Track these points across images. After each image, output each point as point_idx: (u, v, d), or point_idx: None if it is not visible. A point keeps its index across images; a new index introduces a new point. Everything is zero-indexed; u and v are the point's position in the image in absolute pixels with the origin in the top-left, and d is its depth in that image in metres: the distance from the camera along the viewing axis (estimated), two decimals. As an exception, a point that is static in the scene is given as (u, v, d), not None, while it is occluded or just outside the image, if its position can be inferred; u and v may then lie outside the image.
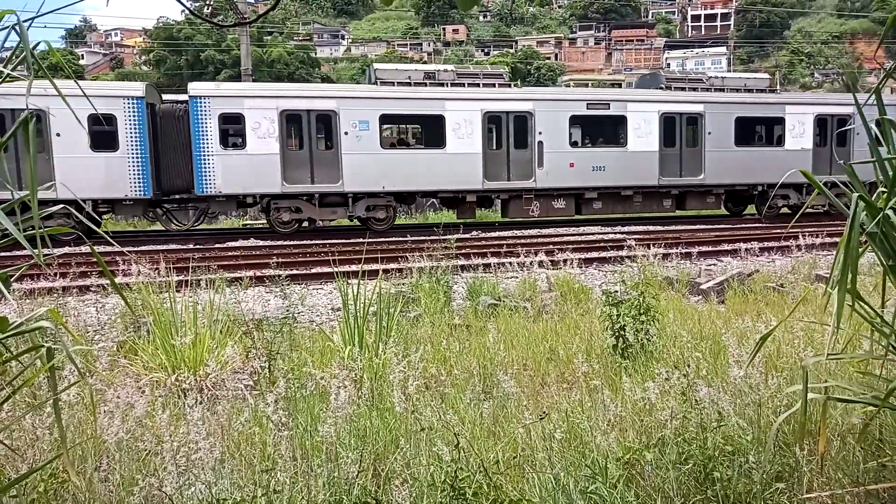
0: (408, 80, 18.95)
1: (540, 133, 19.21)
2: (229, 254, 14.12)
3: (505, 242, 14.78)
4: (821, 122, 21.37)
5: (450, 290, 8.51)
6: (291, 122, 17.91)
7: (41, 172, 16.30)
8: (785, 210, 21.58)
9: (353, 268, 10.96)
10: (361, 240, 15.50)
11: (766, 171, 20.49)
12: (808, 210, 21.28)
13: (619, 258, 11.98)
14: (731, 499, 2.86)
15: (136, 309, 6.62)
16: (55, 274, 10.19)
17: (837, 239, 2.79)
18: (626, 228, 18.35)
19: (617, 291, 6.02)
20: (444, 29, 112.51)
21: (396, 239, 16.18)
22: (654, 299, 5.75)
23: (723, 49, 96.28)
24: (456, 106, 18.62)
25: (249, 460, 3.30)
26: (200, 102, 17.21)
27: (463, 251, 12.03)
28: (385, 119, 18.50)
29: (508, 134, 19.16)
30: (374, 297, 5.55)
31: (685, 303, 8.28)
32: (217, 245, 16.10)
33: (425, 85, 18.95)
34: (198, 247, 15.74)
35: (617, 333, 5.26)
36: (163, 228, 19.82)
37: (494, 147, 19.13)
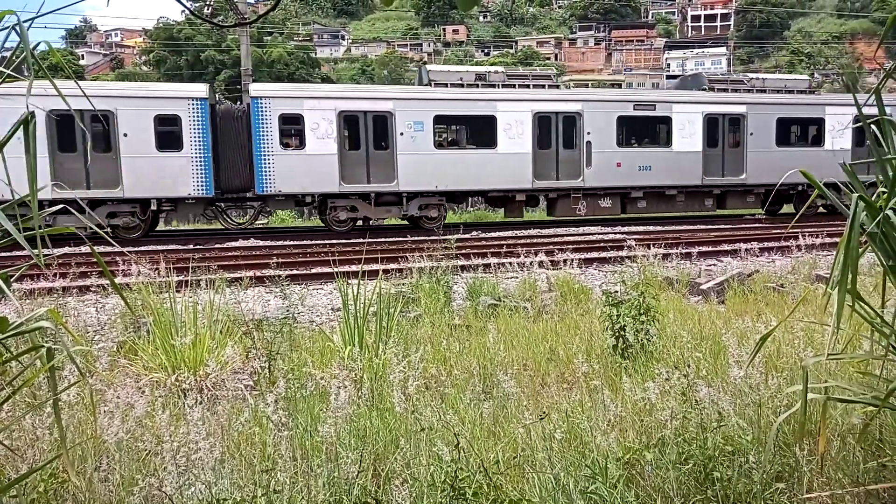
0: (460, 82, 19.35)
1: (588, 133, 19.62)
2: (229, 254, 14.13)
3: (505, 242, 14.78)
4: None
5: (450, 290, 8.51)
6: (349, 122, 18.28)
7: (108, 172, 16.80)
8: (822, 210, 21.91)
9: (353, 268, 10.96)
10: (361, 240, 15.51)
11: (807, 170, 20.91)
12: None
13: (619, 258, 11.98)
14: (731, 499, 2.86)
15: (136, 309, 6.62)
16: (55, 274, 10.19)
17: (837, 239, 2.79)
18: (626, 228, 18.36)
19: (617, 291, 6.02)
20: (444, 29, 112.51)
21: (396, 239, 16.18)
22: (654, 299, 5.75)
23: (723, 49, 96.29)
24: (507, 107, 19.05)
25: (249, 460, 3.30)
26: (261, 103, 17.55)
27: (463, 251, 12.03)
28: (439, 120, 18.81)
29: (558, 134, 19.55)
30: (374, 298, 5.55)
31: (685, 303, 8.28)
32: (217, 245, 16.10)
33: (477, 86, 19.34)
34: (198, 247, 15.74)
35: (617, 333, 5.26)
36: (163, 228, 19.84)
37: (544, 147, 19.45)
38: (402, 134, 18.26)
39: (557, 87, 20.46)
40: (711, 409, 3.24)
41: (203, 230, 21.90)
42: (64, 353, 2.50)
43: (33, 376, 2.95)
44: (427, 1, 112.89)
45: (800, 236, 12.08)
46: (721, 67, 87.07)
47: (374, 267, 9.97)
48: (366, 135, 18.24)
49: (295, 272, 11.53)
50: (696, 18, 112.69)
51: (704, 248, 13.57)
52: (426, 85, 19.32)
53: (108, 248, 13.08)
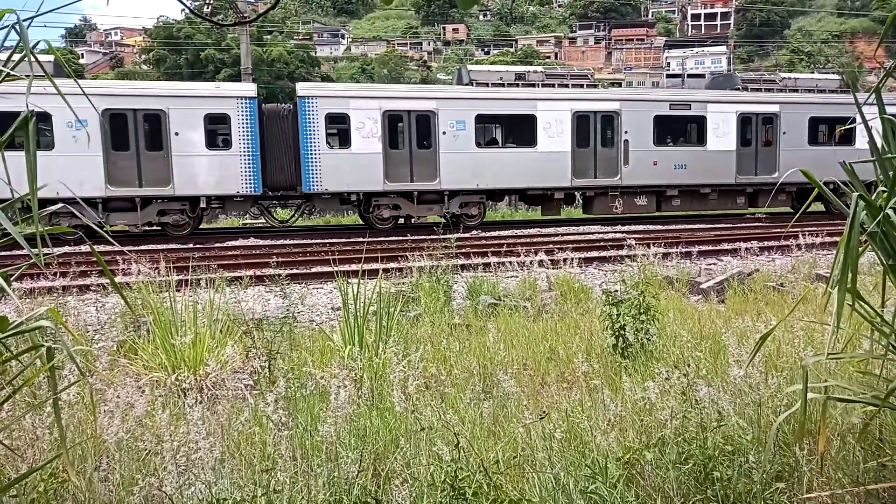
0: (500, 81, 19.78)
1: (626, 132, 19.92)
2: (229, 253, 14.12)
3: (505, 242, 14.77)
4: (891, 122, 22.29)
5: (450, 289, 8.51)
6: (393, 122, 18.55)
7: (159, 170, 17.08)
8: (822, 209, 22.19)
9: (354, 267, 10.96)
10: (361, 239, 15.51)
11: (838, 169, 21.08)
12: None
13: (619, 258, 11.98)
14: (731, 498, 2.86)
15: (136, 308, 6.62)
16: (55, 273, 10.19)
17: (837, 238, 2.79)
18: (625, 228, 18.35)
19: (617, 291, 6.02)
20: (444, 28, 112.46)
21: (396, 238, 16.18)
22: (654, 299, 5.75)
23: (723, 48, 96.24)
24: (547, 106, 19.37)
25: (249, 460, 3.30)
26: (308, 103, 17.80)
27: (463, 251, 12.03)
28: (480, 119, 19.09)
29: (596, 133, 19.88)
30: (374, 297, 5.55)
31: (685, 302, 8.28)
32: (217, 244, 16.10)
33: (517, 86, 19.79)
34: (198, 246, 15.74)
35: (617, 333, 5.26)
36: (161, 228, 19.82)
37: (582, 146, 19.75)
38: (444, 133, 18.56)
39: (595, 86, 20.94)
40: (711, 408, 3.24)
41: (203, 230, 21.88)
42: (64, 352, 2.50)
43: (33, 376, 2.94)
44: (427, 0, 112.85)
45: (800, 235, 12.08)
46: (721, 66, 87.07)
47: (374, 266, 9.97)
48: (409, 134, 18.56)
49: (295, 271, 11.53)
50: (696, 17, 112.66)
51: (704, 248, 13.56)
52: (467, 85, 19.70)
53: (109, 248, 13.09)
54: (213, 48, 68.81)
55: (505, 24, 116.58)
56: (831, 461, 3.08)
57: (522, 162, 19.25)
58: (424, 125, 18.63)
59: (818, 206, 23.28)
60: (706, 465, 2.93)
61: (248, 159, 17.46)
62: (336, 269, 8.56)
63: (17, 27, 2.22)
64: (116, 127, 16.76)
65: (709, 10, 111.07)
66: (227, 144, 17.45)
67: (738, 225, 19.43)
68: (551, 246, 13.03)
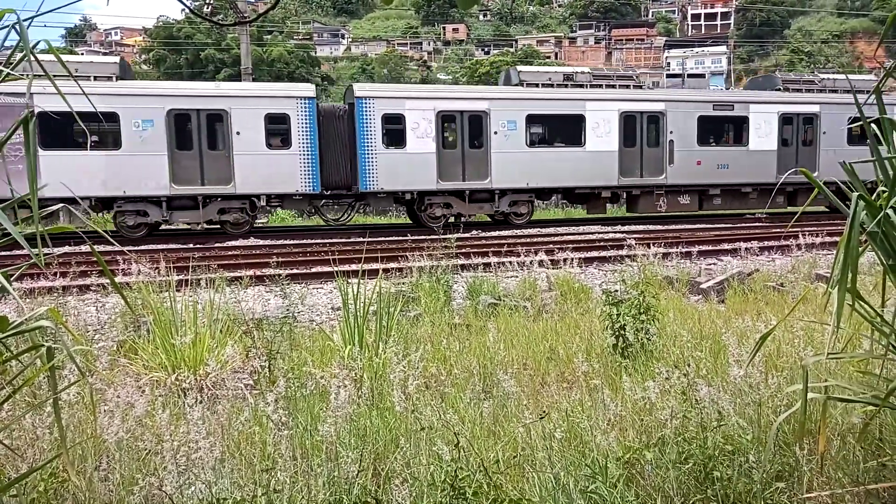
0: (549, 82, 20.05)
1: (671, 132, 20.33)
2: (229, 253, 14.12)
3: (505, 242, 14.77)
4: None
5: (450, 289, 8.51)
6: (446, 122, 18.90)
7: (221, 169, 17.38)
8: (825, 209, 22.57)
9: (354, 267, 10.95)
10: (361, 239, 15.51)
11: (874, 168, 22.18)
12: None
13: (619, 258, 11.97)
14: (731, 498, 2.86)
15: (136, 308, 6.62)
16: (55, 273, 10.18)
17: (837, 238, 2.79)
18: (625, 228, 18.35)
19: (617, 291, 6.02)
20: (444, 28, 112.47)
21: (396, 238, 16.18)
22: (654, 299, 5.75)
23: (723, 48, 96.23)
24: (595, 106, 19.78)
25: (249, 460, 3.30)
26: (365, 103, 18.13)
27: (463, 251, 12.03)
28: (531, 119, 19.45)
29: (642, 133, 20.25)
30: (374, 297, 5.55)
31: (685, 302, 8.28)
32: (217, 244, 16.10)
33: (566, 86, 20.04)
34: (198, 246, 15.74)
35: (617, 333, 5.26)
36: (162, 228, 19.84)
37: (629, 145, 20.14)
38: (496, 133, 18.97)
39: (640, 87, 21.15)
40: (711, 408, 3.23)
41: (203, 230, 21.87)
42: (64, 352, 2.50)
43: (33, 376, 2.94)
44: (427, 0, 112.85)
45: (800, 235, 12.08)
46: (721, 66, 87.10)
47: (374, 266, 9.96)
48: (462, 134, 18.97)
49: (295, 271, 11.53)
50: (696, 17, 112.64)
51: (704, 248, 13.56)
52: (516, 85, 19.99)
53: (109, 248, 13.08)
54: (213, 48, 68.84)
55: (505, 24, 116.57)
56: (831, 461, 3.08)
57: (571, 161, 19.65)
58: (477, 125, 19.01)
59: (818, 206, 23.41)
60: (706, 464, 2.93)
61: (307, 158, 17.80)
62: (336, 269, 8.56)
63: (17, 27, 2.22)
64: (180, 127, 17.17)
65: (709, 10, 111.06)
66: (287, 144, 17.71)
67: (738, 225, 19.43)
68: (551, 246, 13.03)
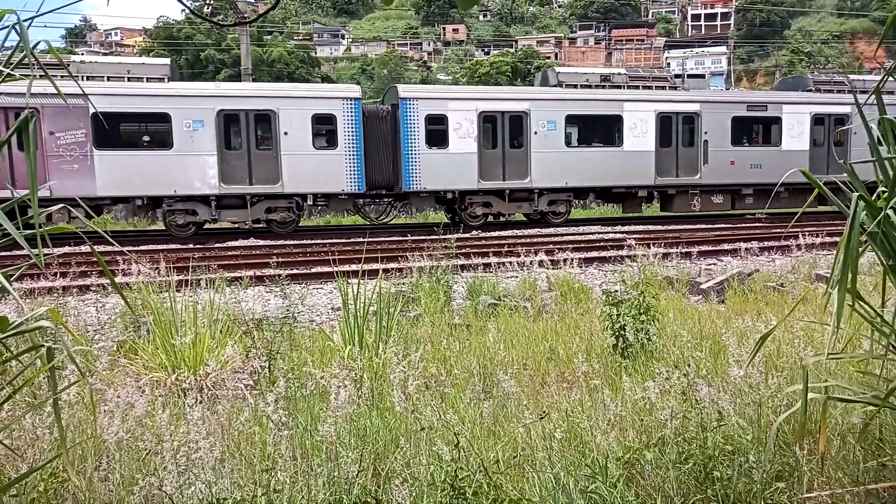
0: (587, 83, 20.41)
1: (706, 133, 20.66)
2: (229, 253, 14.11)
3: (505, 242, 14.77)
4: None
5: (450, 289, 8.51)
6: (487, 122, 19.17)
7: (269, 169, 17.65)
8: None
9: (353, 267, 10.96)
10: (361, 239, 15.51)
11: None
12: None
13: (619, 258, 11.97)
14: (731, 498, 2.86)
15: (136, 308, 6.62)
16: (55, 273, 10.18)
17: (837, 239, 2.79)
18: (625, 228, 18.35)
19: (617, 291, 6.02)
20: (444, 28, 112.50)
21: (396, 238, 16.18)
22: (654, 299, 5.75)
23: (723, 48, 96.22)
24: (633, 107, 20.13)
25: (249, 460, 3.30)
26: (410, 104, 18.42)
27: (463, 251, 12.03)
28: (570, 119, 19.75)
29: (678, 133, 20.57)
30: (374, 297, 5.55)
31: (685, 302, 8.28)
32: (217, 245, 16.09)
33: (603, 87, 20.42)
34: (198, 246, 15.74)
35: (617, 333, 5.26)
36: (162, 228, 19.85)
37: (665, 145, 20.46)
38: (536, 133, 19.27)
39: (675, 88, 21.40)
40: (711, 408, 3.23)
41: (203, 230, 21.85)
42: (64, 352, 2.50)
43: (34, 376, 2.95)
44: (427, 0, 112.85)
45: (800, 236, 12.08)
46: (721, 67, 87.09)
47: (374, 266, 9.96)
48: (503, 134, 19.20)
49: (295, 271, 11.53)
50: (696, 17, 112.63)
51: (704, 248, 13.55)
52: (554, 86, 20.32)
53: (109, 248, 13.08)
54: (213, 48, 68.85)
55: (505, 24, 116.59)
56: (831, 461, 3.08)
57: (609, 161, 19.93)
58: (517, 125, 19.28)
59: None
60: (706, 464, 2.93)
61: (353, 158, 18.04)
62: (336, 269, 8.56)
63: (18, 27, 2.22)
64: (229, 127, 17.45)
65: (709, 11, 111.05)
66: (333, 144, 17.96)
67: (738, 225, 19.43)
68: (551, 246, 13.03)
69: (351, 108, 17.93)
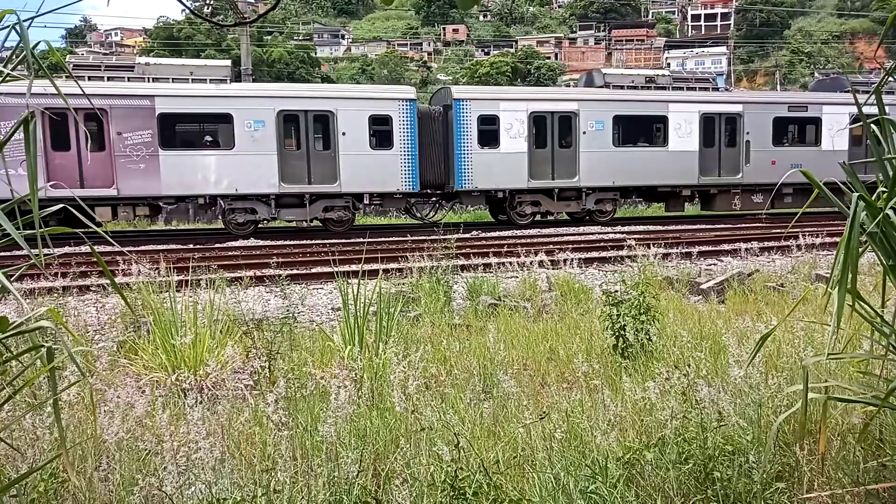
0: (633, 84, 20.87)
1: (748, 133, 21.10)
2: (229, 254, 14.11)
3: (505, 242, 14.77)
4: None
5: (450, 289, 8.50)
6: (537, 122, 19.54)
7: (327, 168, 17.99)
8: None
9: (354, 267, 10.96)
10: (361, 239, 15.51)
11: None
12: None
13: (619, 258, 11.97)
14: (732, 498, 2.86)
15: (136, 309, 6.62)
16: (55, 274, 10.18)
17: (837, 239, 2.79)
18: (626, 228, 18.36)
19: (617, 291, 6.02)
20: (444, 29, 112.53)
21: (396, 239, 16.18)
22: (654, 299, 5.75)
23: (723, 49, 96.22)
24: (678, 108, 20.64)
25: (249, 460, 3.30)
26: (463, 105, 18.79)
27: (463, 251, 12.02)
28: (617, 119, 20.13)
29: (721, 133, 21.01)
30: (375, 297, 5.55)
31: (685, 302, 8.28)
32: (217, 245, 16.09)
33: (649, 88, 20.86)
34: (198, 247, 15.74)
35: (617, 333, 5.26)
36: (162, 227, 19.87)
37: (709, 145, 20.91)
38: (584, 133, 19.70)
39: (717, 89, 21.94)
40: (711, 408, 3.23)
41: (202, 229, 21.88)
42: (64, 352, 2.50)
43: (34, 377, 2.95)
44: (427, 0, 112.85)
45: (800, 236, 12.08)
46: (721, 67, 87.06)
47: (374, 266, 9.96)
48: (552, 134, 19.59)
49: (295, 272, 11.53)
50: (696, 18, 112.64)
51: (704, 248, 13.55)
52: (600, 87, 20.71)
53: (109, 248, 13.08)
54: (214, 49, 68.84)
55: (505, 24, 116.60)
56: (831, 461, 3.08)
57: (654, 160, 20.40)
58: (566, 125, 19.78)
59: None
60: (706, 465, 2.93)
61: (408, 158, 18.36)
62: (336, 269, 8.56)
63: (18, 27, 2.22)
64: (289, 127, 17.79)
65: (709, 11, 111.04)
66: (389, 144, 18.25)
67: (738, 225, 19.44)
68: (551, 246, 13.03)
69: (406, 109, 18.30)
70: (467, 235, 16.58)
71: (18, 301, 2.46)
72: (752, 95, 22.29)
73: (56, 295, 8.19)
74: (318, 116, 17.86)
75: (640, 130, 20.90)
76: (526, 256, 10.57)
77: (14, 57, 2.38)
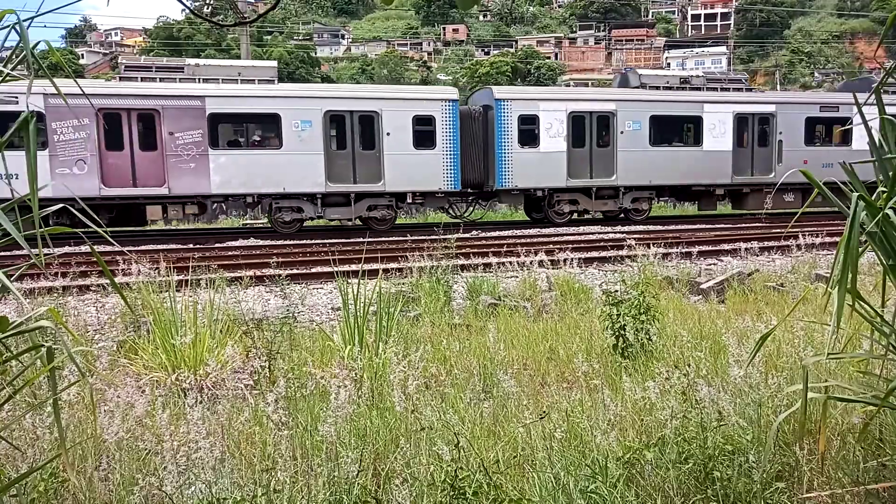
0: (668, 85, 21.18)
1: (780, 133, 21.34)
2: (229, 253, 14.11)
3: (505, 242, 14.76)
4: None
5: (450, 289, 8.50)
6: (576, 122, 19.74)
7: (372, 168, 18.21)
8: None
9: (354, 267, 10.95)
10: (361, 239, 15.51)
11: None
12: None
13: (619, 258, 11.97)
14: (731, 498, 2.86)
15: (135, 308, 6.62)
16: (55, 273, 10.18)
17: (837, 239, 2.79)
18: (625, 228, 18.36)
19: (617, 291, 6.02)
20: (444, 28, 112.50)
21: (396, 238, 16.18)
22: (654, 299, 5.75)
23: (723, 48, 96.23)
24: (712, 108, 20.90)
25: (249, 460, 3.30)
26: (504, 105, 19.04)
27: (463, 251, 12.02)
28: (653, 119, 20.46)
29: (754, 133, 21.25)
30: (375, 297, 5.55)
31: (685, 302, 8.28)
32: (217, 245, 16.09)
33: (683, 89, 21.15)
34: (198, 246, 15.73)
35: (617, 333, 5.26)
36: (162, 227, 19.89)
37: (742, 145, 21.15)
38: (622, 133, 19.99)
39: (750, 90, 22.08)
40: (711, 408, 3.24)
41: (202, 229, 21.88)
42: (64, 352, 2.50)
43: (34, 377, 2.95)
44: (427, 0, 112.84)
45: (800, 236, 12.07)
46: (721, 67, 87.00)
47: (375, 266, 9.96)
48: (590, 133, 19.88)
49: (295, 271, 11.53)
50: (696, 17, 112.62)
51: (704, 248, 13.55)
52: (636, 88, 21.00)
53: (109, 248, 13.08)
54: (213, 48, 68.82)
55: (505, 24, 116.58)
56: (831, 461, 3.08)
57: (689, 160, 20.66)
58: (604, 125, 19.99)
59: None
60: (706, 464, 2.93)
61: (450, 158, 18.57)
62: (336, 269, 8.56)
63: (18, 27, 2.22)
64: (335, 127, 18.00)
65: (709, 11, 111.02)
66: (432, 144, 18.46)
67: (738, 225, 19.45)
68: (551, 246, 13.03)
69: (449, 109, 18.48)
70: (467, 235, 16.58)
71: (19, 300, 2.46)
72: (785, 96, 22.46)
73: (56, 294, 8.19)
74: (363, 117, 18.04)
75: (676, 130, 21.18)
76: (526, 256, 10.57)
77: (14, 57, 2.38)
